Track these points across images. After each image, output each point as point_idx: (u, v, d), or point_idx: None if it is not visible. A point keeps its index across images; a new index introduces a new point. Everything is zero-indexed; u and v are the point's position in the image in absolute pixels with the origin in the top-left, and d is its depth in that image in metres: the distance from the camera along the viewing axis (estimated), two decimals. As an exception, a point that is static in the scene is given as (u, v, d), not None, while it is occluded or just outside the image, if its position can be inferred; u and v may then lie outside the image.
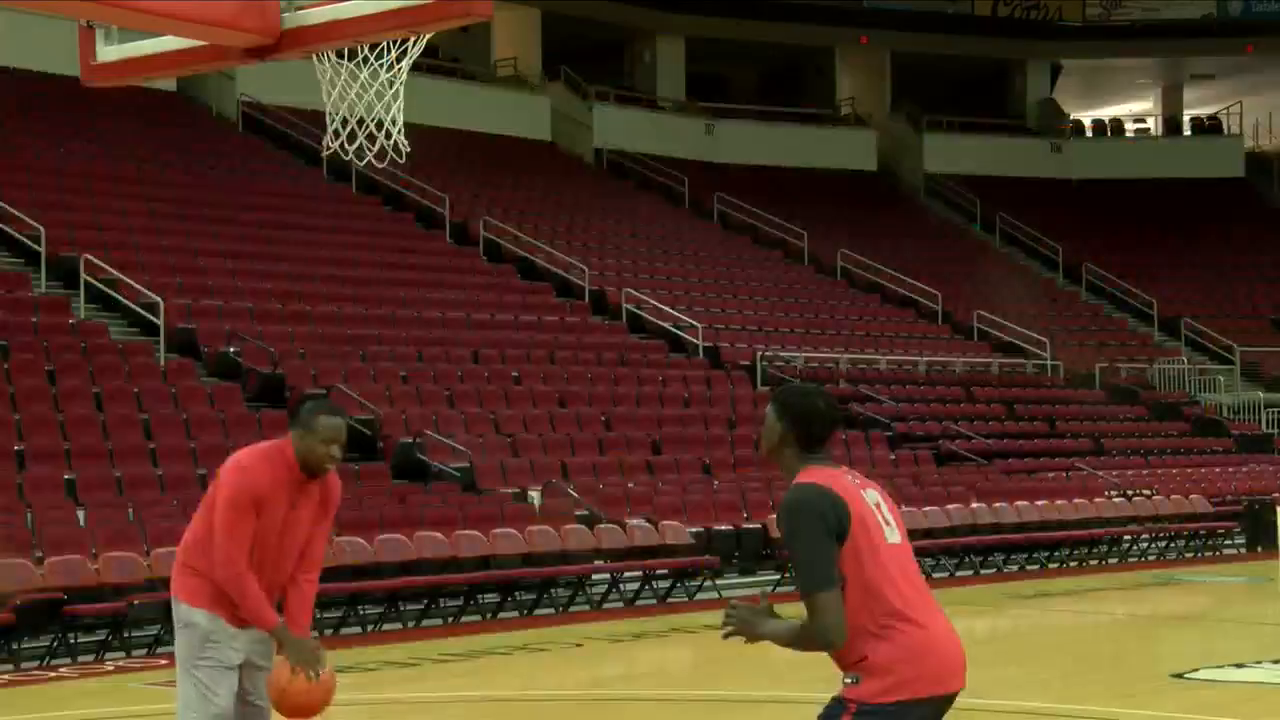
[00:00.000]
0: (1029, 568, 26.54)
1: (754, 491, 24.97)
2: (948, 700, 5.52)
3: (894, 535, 5.57)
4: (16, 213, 26.72)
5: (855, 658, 5.43)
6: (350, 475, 22.11)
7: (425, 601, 19.54)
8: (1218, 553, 29.25)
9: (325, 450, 7.27)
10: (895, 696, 5.39)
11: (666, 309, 33.20)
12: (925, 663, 5.43)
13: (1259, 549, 29.07)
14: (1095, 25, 51.54)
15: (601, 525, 21.86)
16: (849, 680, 5.44)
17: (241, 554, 7.20)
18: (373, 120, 7.96)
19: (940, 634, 5.50)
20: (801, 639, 5.48)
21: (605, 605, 21.07)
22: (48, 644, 16.66)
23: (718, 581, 22.25)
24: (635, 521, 22.29)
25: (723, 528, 23.43)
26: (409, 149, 7.99)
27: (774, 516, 23.44)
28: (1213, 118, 54.58)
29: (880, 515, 5.56)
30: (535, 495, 22.76)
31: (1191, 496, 30.21)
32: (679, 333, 32.31)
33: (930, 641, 5.45)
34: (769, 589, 5.31)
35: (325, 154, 8.41)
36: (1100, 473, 31.13)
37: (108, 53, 7.77)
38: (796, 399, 5.70)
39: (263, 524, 7.22)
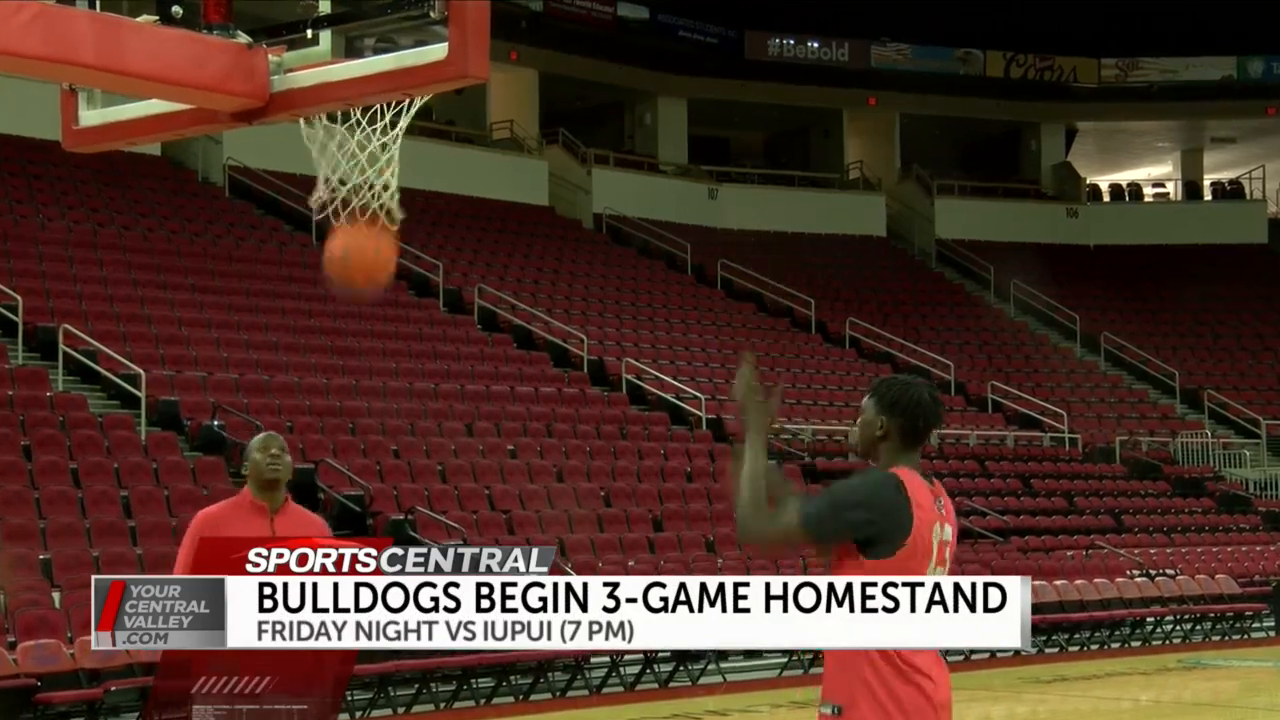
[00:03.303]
0: (1048, 650, 25.93)
1: (759, 569, 24.20)
2: None
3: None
4: (-8, 281, 26.18)
5: (847, 689, 5.09)
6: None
7: (416, 686, 18.99)
8: (1245, 636, 28.58)
9: (263, 456, 7.81)
10: None
11: (668, 379, 32.58)
12: (923, 715, 5.21)
13: (1289, 632, 28.50)
14: (1111, 87, 51.03)
15: (600, 607, 21.08)
16: (826, 710, 5.09)
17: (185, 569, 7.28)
18: (365, 185, 7.69)
19: (943, 685, 5.30)
20: (751, 489, 5.70)
21: (605, 689, 20.47)
22: (20, 733, 16.08)
23: (722, 665, 21.73)
24: (635, 602, 21.53)
25: (727, 609, 22.61)
26: (402, 214, 7.69)
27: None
28: (1234, 182, 54.09)
29: (937, 554, 5.38)
30: (531, 574, 22.01)
31: (1218, 576, 29.53)
32: (681, 404, 31.67)
33: (935, 692, 5.24)
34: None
35: (316, 219, 8.16)
36: (1121, 551, 30.33)
37: (90, 117, 7.59)
38: (898, 390, 5.64)
39: None
